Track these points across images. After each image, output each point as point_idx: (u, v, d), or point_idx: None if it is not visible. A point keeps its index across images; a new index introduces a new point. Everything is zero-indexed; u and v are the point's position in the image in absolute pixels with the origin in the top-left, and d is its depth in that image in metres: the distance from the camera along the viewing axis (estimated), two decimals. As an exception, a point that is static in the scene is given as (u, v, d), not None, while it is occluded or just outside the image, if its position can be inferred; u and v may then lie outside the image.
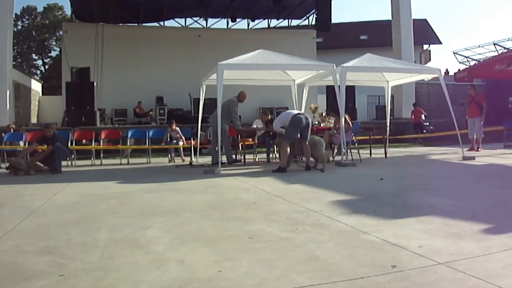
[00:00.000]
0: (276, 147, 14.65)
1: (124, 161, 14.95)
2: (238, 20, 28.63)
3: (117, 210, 6.26)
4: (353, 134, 13.81)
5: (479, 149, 15.82)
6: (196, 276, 3.44)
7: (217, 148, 11.92)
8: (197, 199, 7.13)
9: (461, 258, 3.67)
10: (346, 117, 13.28)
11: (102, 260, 3.90)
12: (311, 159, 11.36)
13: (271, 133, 13.77)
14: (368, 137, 16.30)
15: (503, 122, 19.54)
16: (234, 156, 13.96)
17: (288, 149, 10.94)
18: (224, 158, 12.88)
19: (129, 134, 15.95)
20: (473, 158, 12.75)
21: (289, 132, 10.91)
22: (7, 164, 11.98)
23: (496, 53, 27.71)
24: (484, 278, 3.20)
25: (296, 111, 11.57)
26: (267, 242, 4.34)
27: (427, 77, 18.41)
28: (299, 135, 10.99)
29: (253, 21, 29.18)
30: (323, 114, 15.10)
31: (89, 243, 4.46)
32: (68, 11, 45.05)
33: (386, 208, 5.93)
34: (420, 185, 8.14)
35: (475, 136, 16.15)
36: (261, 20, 29.63)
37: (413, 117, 23.03)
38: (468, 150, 14.00)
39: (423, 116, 23.05)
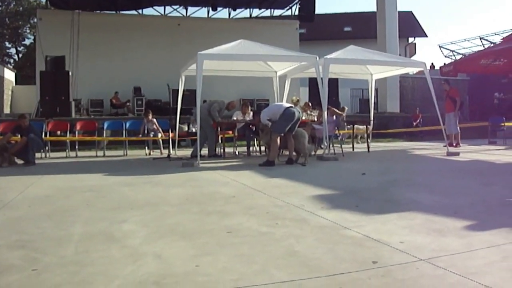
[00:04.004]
0: (257, 140, 14.69)
1: (100, 153, 14.86)
2: (219, 9, 28.46)
3: (92, 203, 6.24)
4: (336, 127, 13.84)
5: (458, 145, 15.90)
6: (173, 271, 3.45)
7: (206, 141, 11.99)
8: (175, 192, 7.13)
9: (443, 254, 3.71)
10: (335, 109, 13.39)
11: (76, 254, 3.89)
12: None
13: (251, 126, 13.78)
14: (351, 131, 16.37)
15: (488, 118, 19.68)
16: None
17: (278, 142, 10.91)
18: (203, 151, 12.87)
19: (106, 126, 15.85)
20: (457, 154, 12.88)
21: (280, 125, 10.85)
22: None
23: (482, 48, 27.94)
24: (466, 275, 3.24)
25: (288, 104, 11.57)
26: (246, 237, 4.36)
27: (412, 70, 18.57)
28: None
29: (234, 10, 29.04)
30: (310, 105, 15.16)
31: (63, 237, 4.45)
32: (43, -3, 44.53)
33: (368, 203, 5.98)
34: (403, 181, 8.20)
35: (452, 132, 16.27)
36: (242, 9, 29.50)
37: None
38: (444, 146, 14.10)
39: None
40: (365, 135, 16.54)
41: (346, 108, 21.61)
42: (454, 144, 15.93)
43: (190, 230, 4.68)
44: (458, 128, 16.33)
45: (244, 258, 3.71)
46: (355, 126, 17.81)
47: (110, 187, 7.73)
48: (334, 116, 13.59)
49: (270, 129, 10.97)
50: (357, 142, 18.85)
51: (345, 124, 16.63)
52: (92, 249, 4.02)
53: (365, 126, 17.22)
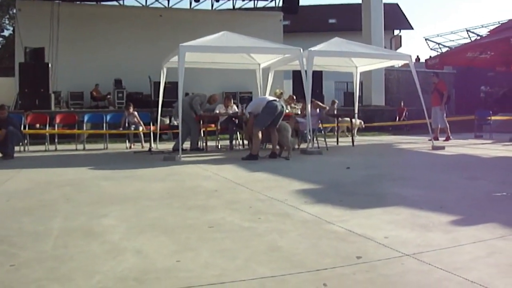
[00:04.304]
0: (240, 133, 14.67)
1: (80, 146, 14.77)
2: (201, 0, 28.43)
3: (71, 197, 6.21)
4: (319, 121, 13.86)
5: (449, 139, 15.97)
6: (154, 266, 3.43)
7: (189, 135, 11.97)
8: (156, 187, 7.11)
9: (428, 249, 3.72)
10: (318, 102, 13.41)
11: (55, 249, 3.87)
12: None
13: (234, 119, 13.76)
14: (335, 125, 16.39)
15: (474, 111, 19.76)
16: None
17: (260, 135, 10.88)
18: (185, 145, 12.84)
19: (86, 119, 15.74)
20: (443, 148, 12.95)
21: (261, 118, 10.81)
22: None
23: (469, 40, 28.02)
24: (452, 271, 3.25)
25: (271, 97, 11.51)
26: (228, 232, 4.36)
27: (397, 63, 18.57)
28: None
29: (217, 1, 28.94)
30: (294, 98, 15.16)
31: (42, 232, 4.42)
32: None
33: (352, 198, 5.99)
34: (387, 175, 8.24)
35: (439, 125, 16.34)
36: (225, 0, 29.46)
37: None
38: (429, 140, 14.16)
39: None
40: (351, 128, 16.55)
41: (337, 102, 21.63)
42: (445, 138, 15.98)
43: (171, 225, 4.67)
44: (446, 121, 16.41)
45: (226, 254, 3.70)
46: (347, 119, 17.92)
47: (90, 181, 7.69)
48: (318, 109, 13.60)
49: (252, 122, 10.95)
50: (346, 136, 18.99)
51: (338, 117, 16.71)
52: (72, 244, 4.00)
53: (359, 121, 17.39)
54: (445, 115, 16.45)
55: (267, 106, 10.78)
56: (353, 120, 16.53)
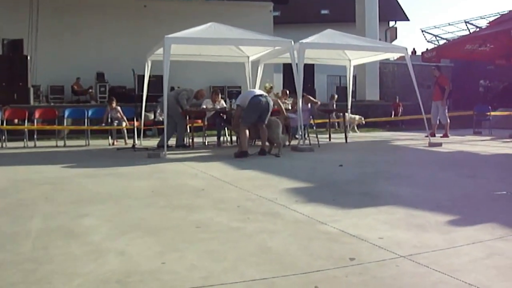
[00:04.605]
0: (228, 129, 14.65)
1: (61, 143, 14.69)
2: (188, -11, 28.35)
3: (51, 196, 6.19)
4: (311, 116, 13.86)
5: (446, 136, 15.98)
6: (138, 268, 3.42)
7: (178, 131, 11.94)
8: (140, 185, 7.11)
9: (424, 251, 3.73)
10: (310, 97, 13.42)
11: (34, 251, 3.85)
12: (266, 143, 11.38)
13: (221, 114, 13.74)
14: (327, 120, 16.41)
15: (473, 106, 19.77)
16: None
17: (247, 131, 10.85)
18: (171, 141, 12.83)
19: (66, 114, 15.63)
20: (440, 144, 12.95)
21: (246, 114, 10.78)
22: None
23: (467, 32, 28.11)
24: (449, 273, 3.25)
25: (258, 92, 11.44)
26: (215, 232, 4.35)
27: (392, 56, 18.64)
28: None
29: (204, -9, 28.92)
30: (279, 94, 15.14)
31: (20, 233, 4.39)
32: (-2, -25, 43.76)
33: (345, 197, 6.01)
34: (382, 173, 8.26)
35: (438, 122, 16.33)
36: (213, -10, 29.41)
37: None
38: (426, 136, 14.19)
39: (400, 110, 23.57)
40: (346, 124, 16.57)
41: (336, 96, 21.60)
42: (442, 135, 15.99)
43: (155, 225, 4.66)
44: (448, 118, 16.41)
45: (213, 255, 3.70)
46: (350, 115, 17.99)
47: (71, 180, 7.67)
48: (309, 104, 13.59)
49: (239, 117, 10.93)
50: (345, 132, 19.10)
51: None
52: (51, 245, 3.98)
53: (357, 116, 17.45)
54: (446, 110, 16.46)
55: (250, 102, 10.75)
56: (348, 115, 16.58)
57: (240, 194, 6.28)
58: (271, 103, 11.12)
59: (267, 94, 11.51)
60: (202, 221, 4.75)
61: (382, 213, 5.02)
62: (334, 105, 20.07)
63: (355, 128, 19.98)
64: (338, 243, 3.99)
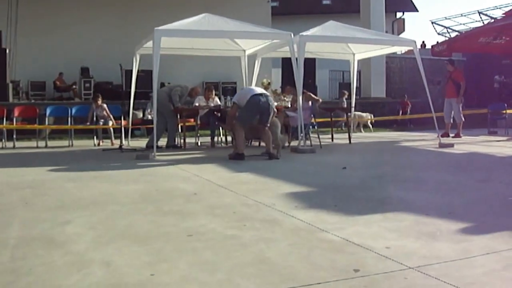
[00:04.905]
0: (222, 129, 14.62)
1: (42, 143, 14.67)
2: (179, -22, 28.33)
3: (31, 201, 6.18)
4: (312, 115, 13.83)
5: (459, 136, 15.93)
6: (124, 280, 3.40)
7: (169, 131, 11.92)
8: (128, 189, 7.09)
9: (435, 262, 3.70)
10: (311, 94, 13.41)
11: (12, 261, 3.82)
12: (262, 144, 11.35)
13: (215, 112, 13.71)
14: (329, 119, 16.39)
15: (487, 104, 19.67)
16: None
17: (243, 132, 10.75)
18: (161, 142, 12.82)
19: (48, 112, 15.61)
20: (451, 145, 12.91)
21: (242, 114, 10.63)
22: None
23: (481, 24, 28.04)
24: (462, 286, 3.22)
25: (258, 90, 11.15)
26: (209, 241, 4.34)
27: (400, 49, 18.64)
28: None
29: (197, -20, 28.92)
30: (278, 91, 15.13)
31: (-4, 242, 4.39)
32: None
33: (349, 202, 6.01)
34: (389, 176, 8.26)
35: (451, 120, 16.29)
36: (207, -21, 29.41)
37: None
38: (441, 136, 14.12)
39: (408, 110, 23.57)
40: (349, 124, 16.60)
41: (347, 93, 21.51)
42: (454, 135, 15.94)
43: (144, 233, 4.65)
44: (462, 116, 16.33)
45: (206, 266, 3.68)
46: (357, 113, 18.00)
47: (52, 183, 7.66)
48: (310, 102, 13.56)
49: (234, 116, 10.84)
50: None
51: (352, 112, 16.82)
52: (31, 255, 3.96)
53: (368, 114, 17.46)
54: (461, 108, 16.41)
55: (249, 101, 10.52)
56: (355, 114, 16.59)
57: (236, 199, 6.27)
58: (273, 104, 10.91)
59: (268, 94, 11.30)
60: (195, 229, 4.73)
61: (389, 220, 5.01)
62: (345, 103, 20.05)
63: (367, 127, 20.04)
64: (341, 253, 3.97)
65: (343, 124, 19.89)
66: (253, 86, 12.08)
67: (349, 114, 16.62)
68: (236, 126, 10.71)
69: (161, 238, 4.46)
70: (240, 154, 10.56)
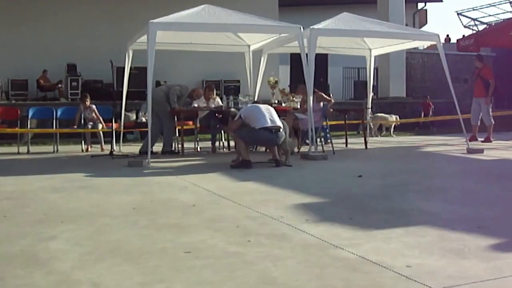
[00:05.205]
0: (224, 133, 14.60)
1: (23, 149, 14.68)
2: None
3: (11, 214, 6.19)
4: (324, 117, 13.79)
5: (489, 140, 15.85)
6: (114, 303, 3.40)
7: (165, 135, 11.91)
8: (119, 200, 7.10)
9: (462, 282, 3.68)
10: (322, 94, 13.40)
11: (-12, 282, 3.82)
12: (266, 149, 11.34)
13: (217, 114, 13.68)
14: (343, 122, 16.37)
15: None
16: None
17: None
18: (156, 147, 12.82)
19: (31, 114, 15.60)
20: (480, 151, 12.85)
21: (246, 136, 10.44)
22: None
23: (512, 15, 27.98)
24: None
25: (269, 120, 10.46)
26: (209, 259, 4.32)
27: (421, 44, 18.59)
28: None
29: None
30: (286, 91, 15.13)
31: (-28, 259, 4.38)
32: None
33: (365, 215, 6.00)
34: (410, 185, 8.24)
35: (479, 123, 16.20)
36: (206, -34, 29.44)
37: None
38: (468, 140, 14.02)
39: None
40: (364, 126, 16.59)
41: (372, 94, 21.44)
42: (484, 139, 15.85)
43: (136, 249, 4.64)
44: (492, 118, 16.23)
45: (206, 286, 3.67)
46: (380, 115, 18.00)
47: (35, 194, 7.67)
48: (322, 103, 13.52)
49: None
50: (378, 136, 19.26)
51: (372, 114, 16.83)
52: (10, 274, 3.95)
53: (393, 116, 17.50)
54: (491, 109, 16.33)
55: (257, 132, 10.32)
56: (375, 115, 16.58)
57: (239, 211, 6.28)
58: (285, 137, 10.71)
59: (281, 127, 10.76)
60: (193, 245, 4.73)
61: (411, 235, 4.99)
62: (370, 104, 20.06)
63: (391, 131, 20.08)
64: (357, 272, 3.95)
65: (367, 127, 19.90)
66: (264, 109, 11.35)
67: (370, 115, 16.59)
68: (235, 135, 10.67)
69: (156, 255, 4.45)
70: (246, 161, 10.43)
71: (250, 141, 10.63)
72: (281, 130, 10.55)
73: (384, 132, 20.18)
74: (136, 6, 23.41)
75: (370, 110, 17.88)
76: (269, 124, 10.42)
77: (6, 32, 22.02)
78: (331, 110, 14.44)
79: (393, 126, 20.24)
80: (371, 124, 18.44)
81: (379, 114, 18.96)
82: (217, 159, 12.01)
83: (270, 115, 10.58)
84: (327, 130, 13.32)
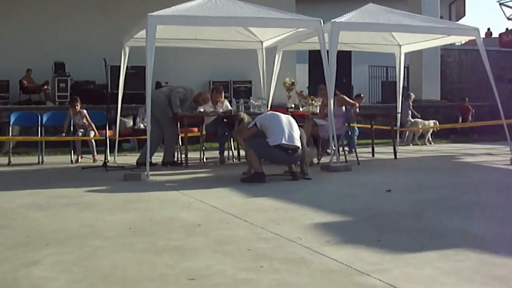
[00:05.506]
0: (234, 141, 14.58)
1: (4, 160, 14.75)
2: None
3: (-11, 235, 6.18)
4: (346, 123, 13.75)
5: None
6: None
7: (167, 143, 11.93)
8: (113, 219, 7.11)
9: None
10: (344, 96, 13.38)
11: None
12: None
13: (225, 120, 13.66)
14: (369, 126, 16.34)
15: None
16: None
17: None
18: (156, 158, 12.85)
19: (12, 119, 15.65)
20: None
21: (260, 148, 10.31)
22: None
23: None
24: None
25: (287, 134, 10.29)
26: (216, 286, 4.32)
27: (458, 40, 18.56)
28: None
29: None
30: (304, 93, 15.14)
31: None
32: None
33: (394, 236, 5.98)
34: (446, 201, 8.22)
35: None
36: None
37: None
38: (509, 151, 13.96)
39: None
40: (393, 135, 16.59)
41: (413, 96, 21.38)
42: None
43: (133, 276, 4.63)
44: None
45: (212, 320, 3.66)
46: (420, 121, 17.98)
47: (16, 212, 7.70)
48: (344, 107, 13.49)
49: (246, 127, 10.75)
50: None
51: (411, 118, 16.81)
52: (-13, 306, 3.95)
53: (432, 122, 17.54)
54: None
55: (270, 151, 10.24)
56: (414, 121, 16.56)
57: (251, 231, 6.27)
58: (300, 153, 10.60)
59: (300, 145, 10.56)
60: (198, 271, 4.72)
61: (447, 260, 4.96)
62: (411, 108, 20.06)
63: (429, 138, 20.07)
64: (386, 302, 3.94)
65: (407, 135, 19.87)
66: (285, 122, 11.02)
67: (410, 121, 16.56)
68: (245, 144, 10.65)
69: (155, 282, 4.45)
70: (259, 174, 10.32)
71: (260, 156, 10.52)
72: (299, 151, 10.42)
73: (415, 140, 20.13)
74: (133, -2, 23.49)
75: (409, 115, 17.87)
76: (286, 141, 10.22)
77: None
78: (355, 115, 14.43)
79: (430, 132, 20.19)
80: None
81: (419, 120, 18.92)
82: (225, 171, 12.01)
83: (289, 130, 10.39)
84: (353, 135, 13.24)
